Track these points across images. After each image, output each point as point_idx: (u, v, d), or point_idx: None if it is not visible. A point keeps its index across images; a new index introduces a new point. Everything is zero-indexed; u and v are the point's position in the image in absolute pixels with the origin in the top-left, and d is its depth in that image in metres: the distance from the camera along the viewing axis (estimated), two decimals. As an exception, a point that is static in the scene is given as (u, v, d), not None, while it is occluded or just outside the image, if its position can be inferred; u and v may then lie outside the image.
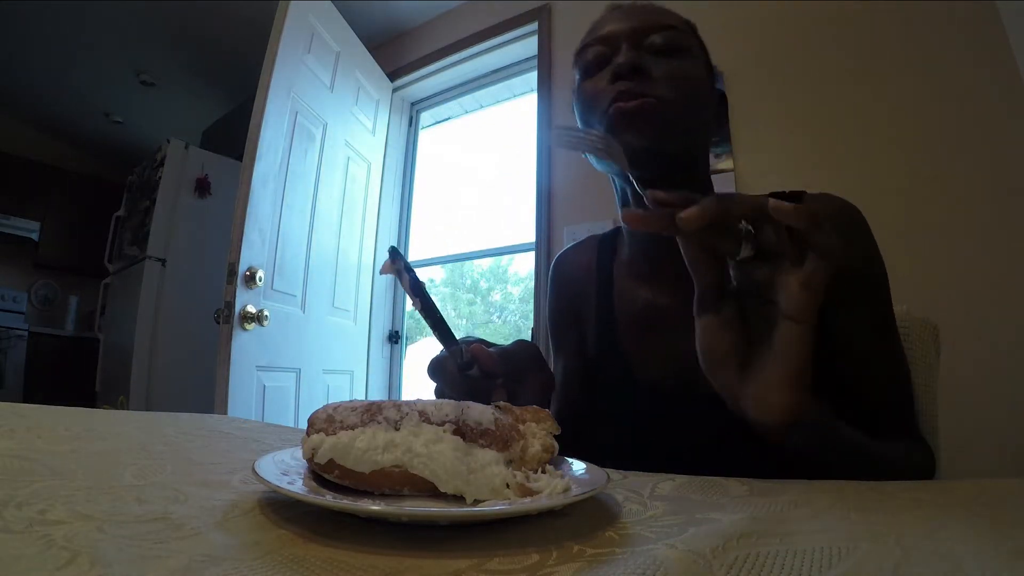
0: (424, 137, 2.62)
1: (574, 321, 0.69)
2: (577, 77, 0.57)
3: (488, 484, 0.27)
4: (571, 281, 0.70)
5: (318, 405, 0.34)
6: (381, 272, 0.38)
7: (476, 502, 0.27)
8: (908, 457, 0.47)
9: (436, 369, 0.45)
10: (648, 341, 0.59)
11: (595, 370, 0.65)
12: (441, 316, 0.41)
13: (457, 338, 0.44)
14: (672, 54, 0.53)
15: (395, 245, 0.37)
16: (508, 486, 0.28)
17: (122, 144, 4.12)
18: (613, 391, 0.61)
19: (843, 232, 0.53)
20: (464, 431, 0.30)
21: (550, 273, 0.74)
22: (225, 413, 1.47)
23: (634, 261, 0.62)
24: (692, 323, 0.58)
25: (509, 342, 0.50)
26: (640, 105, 0.50)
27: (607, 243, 0.69)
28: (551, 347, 0.73)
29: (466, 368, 0.42)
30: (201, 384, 2.05)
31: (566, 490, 0.28)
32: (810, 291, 0.32)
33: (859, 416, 0.43)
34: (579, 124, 0.57)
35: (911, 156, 1.30)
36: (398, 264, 0.36)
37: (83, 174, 4.23)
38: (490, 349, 0.44)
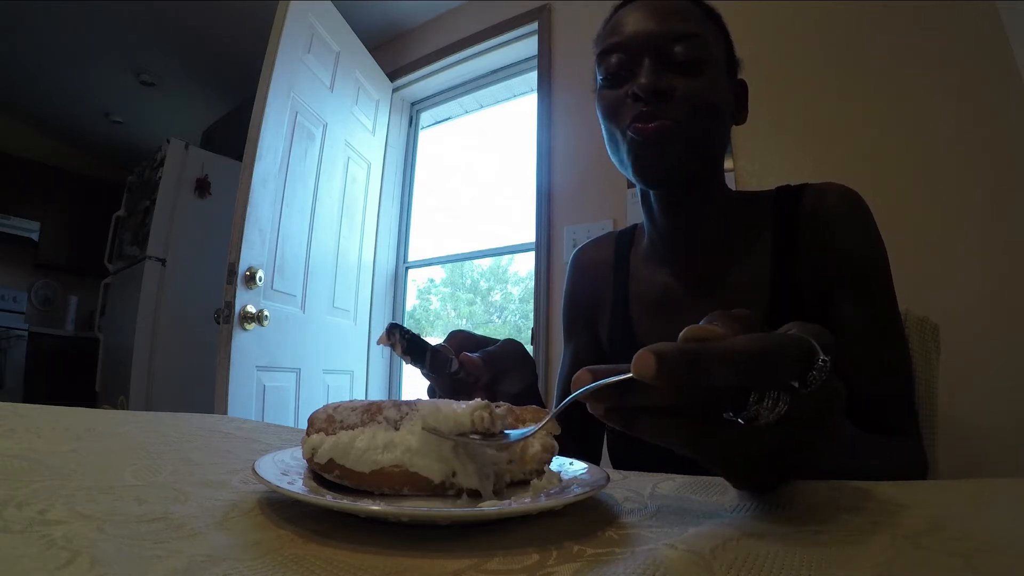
0: (424, 137, 2.62)
1: (588, 311, 0.71)
2: (599, 78, 0.57)
3: (453, 418, 0.27)
4: (588, 272, 0.73)
5: (318, 405, 0.34)
6: (378, 343, 0.41)
7: (469, 495, 0.27)
8: (903, 459, 0.47)
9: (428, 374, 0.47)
10: (662, 323, 0.62)
11: (607, 356, 0.67)
12: (427, 351, 0.43)
13: (443, 340, 0.48)
14: (695, 69, 0.52)
15: (396, 322, 0.41)
16: (475, 420, 0.28)
17: (122, 144, 4.11)
18: None
19: (843, 219, 0.55)
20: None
21: (569, 266, 0.77)
22: (225, 413, 1.47)
23: (652, 248, 0.64)
24: (703, 308, 0.59)
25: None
26: (659, 128, 0.50)
27: (625, 237, 0.71)
28: (563, 336, 0.75)
29: (455, 374, 0.45)
30: (201, 384, 2.05)
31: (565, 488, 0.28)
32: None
33: (857, 407, 0.43)
34: (602, 127, 0.58)
35: (911, 156, 1.30)
36: (393, 339, 0.39)
37: (83, 174, 4.23)
38: (476, 354, 0.46)
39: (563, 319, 0.75)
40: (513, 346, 0.50)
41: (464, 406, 0.28)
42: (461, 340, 0.49)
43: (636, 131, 0.51)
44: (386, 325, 0.39)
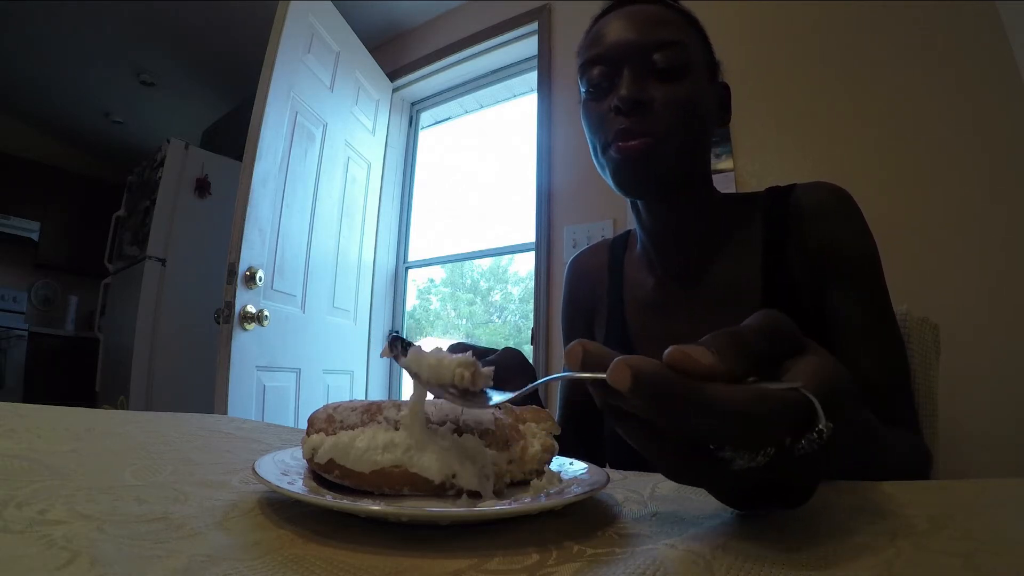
0: (424, 137, 2.62)
1: (586, 316, 0.73)
2: (582, 90, 0.58)
3: (436, 367, 0.27)
4: (585, 278, 0.74)
5: (318, 405, 0.34)
6: (380, 355, 0.41)
7: (469, 495, 0.27)
8: (908, 450, 0.47)
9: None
10: (652, 322, 0.62)
11: None
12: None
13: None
14: (675, 76, 0.53)
15: (397, 332, 0.39)
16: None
17: (122, 144, 4.11)
18: None
19: (833, 216, 0.56)
20: (464, 430, 0.30)
21: (566, 273, 0.78)
22: (225, 413, 1.47)
23: (644, 251, 0.65)
24: (694, 307, 0.60)
25: (507, 343, 0.52)
26: (640, 146, 0.52)
27: (619, 242, 0.73)
28: (563, 342, 0.77)
29: None
30: (201, 384, 2.04)
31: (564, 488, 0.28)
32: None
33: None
34: (587, 139, 0.59)
35: (911, 156, 1.29)
36: (395, 351, 0.39)
37: (83, 174, 4.23)
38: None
39: (563, 327, 0.76)
40: (512, 355, 0.51)
41: (451, 357, 0.28)
42: (462, 352, 0.49)
43: (618, 150, 0.52)
44: (388, 336, 0.39)
